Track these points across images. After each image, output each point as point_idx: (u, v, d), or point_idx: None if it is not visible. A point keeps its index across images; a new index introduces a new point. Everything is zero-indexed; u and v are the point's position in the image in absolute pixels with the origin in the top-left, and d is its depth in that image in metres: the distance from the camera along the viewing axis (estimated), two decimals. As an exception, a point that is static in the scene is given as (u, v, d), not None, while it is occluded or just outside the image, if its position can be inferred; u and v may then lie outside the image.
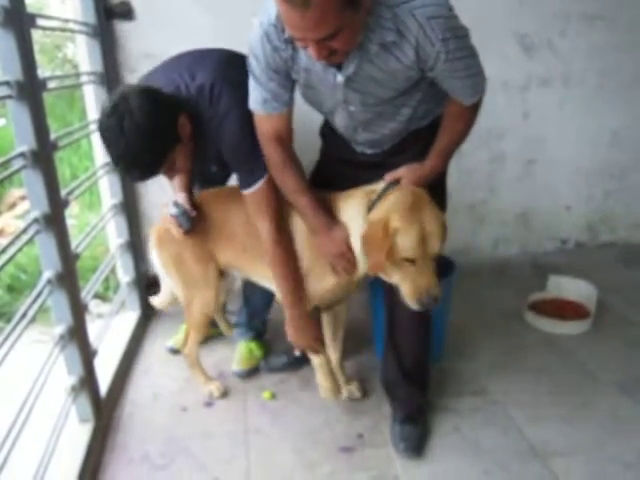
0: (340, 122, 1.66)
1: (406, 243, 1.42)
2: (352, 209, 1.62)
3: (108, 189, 2.43)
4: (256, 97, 1.53)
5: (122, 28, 2.36)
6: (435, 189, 1.66)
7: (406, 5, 1.29)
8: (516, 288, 2.77)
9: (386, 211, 1.47)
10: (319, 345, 1.81)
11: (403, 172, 1.59)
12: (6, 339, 1.34)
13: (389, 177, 1.60)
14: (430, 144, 1.60)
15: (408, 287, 1.46)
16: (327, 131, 1.83)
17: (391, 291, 1.75)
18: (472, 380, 2.09)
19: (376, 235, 1.44)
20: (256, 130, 1.59)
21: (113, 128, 1.46)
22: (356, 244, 1.60)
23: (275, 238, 1.66)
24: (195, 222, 1.81)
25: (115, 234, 2.49)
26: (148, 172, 1.57)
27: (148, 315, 2.58)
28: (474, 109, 1.55)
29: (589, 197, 3.11)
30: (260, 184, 1.64)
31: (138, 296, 2.55)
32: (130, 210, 2.49)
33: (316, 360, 1.83)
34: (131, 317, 2.52)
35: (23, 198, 4.45)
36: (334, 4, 1.16)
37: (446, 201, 1.80)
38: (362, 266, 1.64)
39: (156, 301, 2.16)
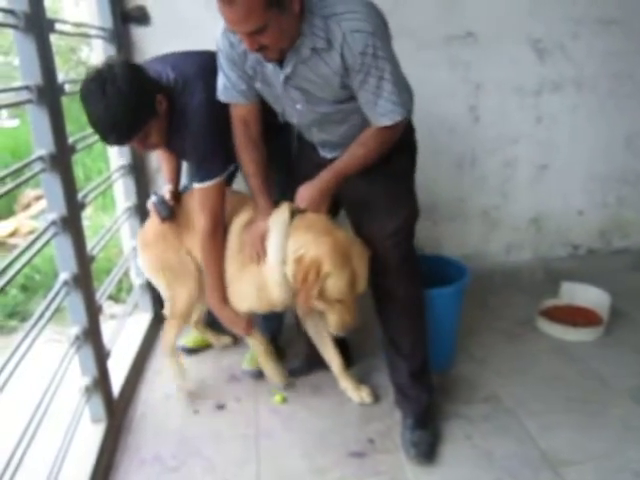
0: (295, 121, 1.74)
1: (337, 287, 1.57)
2: (275, 220, 1.70)
3: (122, 192, 2.46)
4: (218, 84, 1.68)
5: (137, 33, 2.38)
6: (402, 194, 1.74)
7: (337, 17, 1.40)
8: (528, 294, 2.76)
9: (317, 253, 1.56)
10: (245, 324, 1.92)
11: (299, 197, 1.69)
12: (24, 340, 1.37)
13: (294, 204, 1.70)
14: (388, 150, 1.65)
15: (335, 320, 1.63)
16: (300, 133, 1.90)
17: (384, 297, 1.80)
18: (483, 386, 2.08)
19: (308, 276, 1.55)
20: (220, 132, 1.72)
21: (95, 91, 1.54)
22: (271, 251, 1.68)
23: (209, 234, 1.80)
24: (175, 211, 1.96)
25: (129, 236, 2.51)
26: (124, 137, 1.64)
27: (160, 316, 2.59)
28: (388, 135, 1.58)
29: (602, 203, 3.08)
30: (211, 183, 1.75)
31: (151, 298, 2.57)
32: (144, 213, 2.50)
33: (256, 346, 2.01)
34: (144, 318, 2.54)
35: (38, 199, 4.51)
36: (258, 1, 1.27)
37: (416, 202, 1.80)
38: (283, 295, 1.71)
39: None
